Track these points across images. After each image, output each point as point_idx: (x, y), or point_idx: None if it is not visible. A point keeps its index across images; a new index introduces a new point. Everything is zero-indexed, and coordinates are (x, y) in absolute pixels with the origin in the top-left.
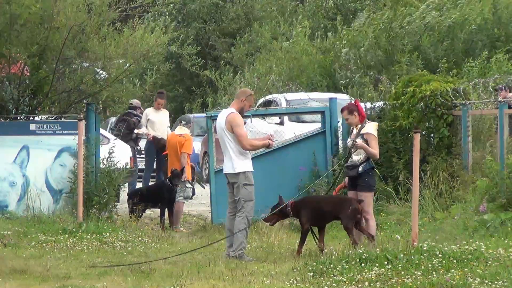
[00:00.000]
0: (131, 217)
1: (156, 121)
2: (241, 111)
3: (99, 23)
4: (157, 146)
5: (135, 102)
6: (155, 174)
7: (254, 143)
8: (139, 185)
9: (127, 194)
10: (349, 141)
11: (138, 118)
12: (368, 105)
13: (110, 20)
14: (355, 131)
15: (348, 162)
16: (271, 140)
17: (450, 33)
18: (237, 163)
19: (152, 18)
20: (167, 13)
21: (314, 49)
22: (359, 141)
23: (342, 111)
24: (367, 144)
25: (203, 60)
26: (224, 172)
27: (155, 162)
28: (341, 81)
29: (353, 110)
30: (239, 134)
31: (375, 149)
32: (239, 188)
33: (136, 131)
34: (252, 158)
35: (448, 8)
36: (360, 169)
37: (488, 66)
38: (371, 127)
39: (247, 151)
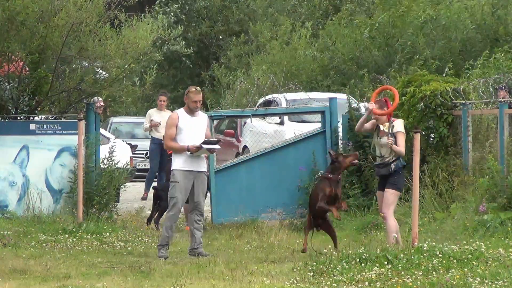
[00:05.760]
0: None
1: (159, 122)
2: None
3: (99, 22)
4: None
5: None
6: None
7: (171, 144)
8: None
9: (153, 188)
10: (384, 139)
11: None
12: (367, 104)
13: (108, 19)
14: (381, 128)
15: (379, 160)
16: (192, 146)
17: (446, 31)
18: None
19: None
20: (171, 13)
21: (313, 49)
22: (390, 139)
23: (375, 103)
24: (395, 142)
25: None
26: None
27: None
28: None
29: (383, 106)
30: (164, 133)
31: (402, 147)
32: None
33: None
34: (252, 158)
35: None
36: (392, 166)
37: (487, 66)
38: (400, 125)
39: (177, 152)
